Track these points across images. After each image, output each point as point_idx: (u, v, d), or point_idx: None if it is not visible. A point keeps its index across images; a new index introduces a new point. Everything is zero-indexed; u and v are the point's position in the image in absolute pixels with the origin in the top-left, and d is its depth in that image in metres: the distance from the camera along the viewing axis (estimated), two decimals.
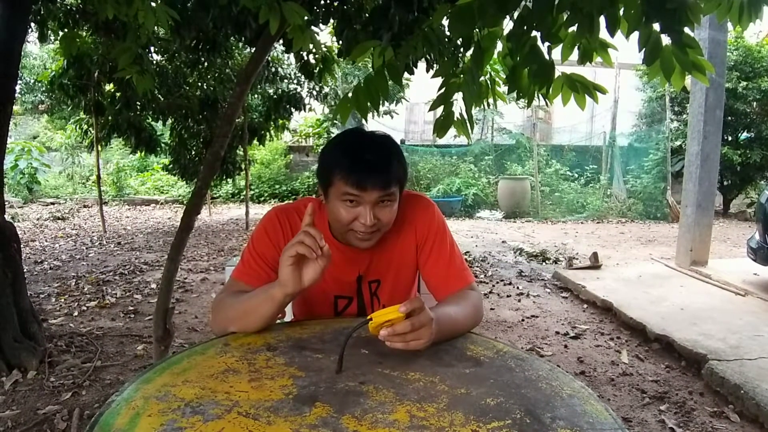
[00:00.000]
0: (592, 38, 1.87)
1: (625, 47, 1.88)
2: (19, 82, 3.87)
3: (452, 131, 2.23)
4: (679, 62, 1.85)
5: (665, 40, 1.80)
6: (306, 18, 2.08)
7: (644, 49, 1.79)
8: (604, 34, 1.81)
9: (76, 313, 4.23)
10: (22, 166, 12.52)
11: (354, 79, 12.29)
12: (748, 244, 4.94)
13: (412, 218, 1.49)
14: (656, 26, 1.75)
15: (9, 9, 3.01)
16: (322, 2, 3.48)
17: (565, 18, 1.78)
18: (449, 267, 1.47)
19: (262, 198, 13.61)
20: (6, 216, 3.20)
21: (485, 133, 14.38)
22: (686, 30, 1.77)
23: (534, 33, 1.85)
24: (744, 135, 10.91)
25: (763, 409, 2.62)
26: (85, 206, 12.19)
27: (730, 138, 10.60)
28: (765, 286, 4.75)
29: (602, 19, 1.72)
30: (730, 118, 10.05)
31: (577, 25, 1.76)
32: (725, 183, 11.12)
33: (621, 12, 1.78)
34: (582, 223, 10.47)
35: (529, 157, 12.41)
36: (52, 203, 12.51)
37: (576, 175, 12.31)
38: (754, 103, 10.42)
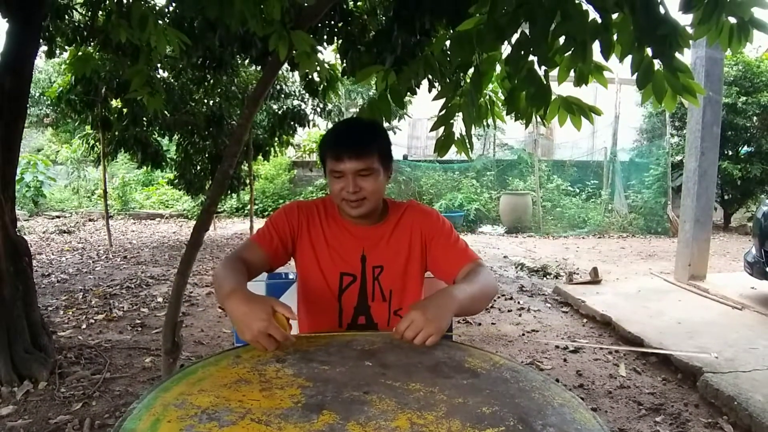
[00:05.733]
0: (586, 64, 1.95)
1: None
2: None
3: (454, 146, 2.32)
4: (670, 85, 1.93)
5: (657, 64, 1.88)
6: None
7: (637, 73, 1.88)
8: (599, 57, 1.89)
9: (84, 326, 4.28)
10: (27, 179, 12.57)
11: (357, 95, 12.40)
12: (745, 259, 4.99)
13: (418, 222, 1.67)
14: (648, 51, 1.83)
15: (20, 26, 3.07)
16: (327, 22, 3.58)
17: (560, 43, 1.86)
18: (453, 248, 1.63)
19: (266, 212, 13.64)
20: None
21: (487, 148, 14.48)
22: (677, 54, 1.85)
23: (531, 57, 1.93)
24: (744, 149, 10.96)
25: (756, 419, 2.68)
26: (90, 220, 12.24)
27: (730, 152, 10.67)
28: (761, 300, 4.80)
29: (597, 44, 1.80)
30: (730, 132, 10.13)
31: (572, 50, 1.84)
32: (726, 197, 11.18)
33: (615, 37, 1.86)
34: (583, 238, 10.51)
35: (530, 172, 12.46)
36: (58, 216, 12.57)
37: (577, 191, 12.35)
38: (754, 118, 10.50)
